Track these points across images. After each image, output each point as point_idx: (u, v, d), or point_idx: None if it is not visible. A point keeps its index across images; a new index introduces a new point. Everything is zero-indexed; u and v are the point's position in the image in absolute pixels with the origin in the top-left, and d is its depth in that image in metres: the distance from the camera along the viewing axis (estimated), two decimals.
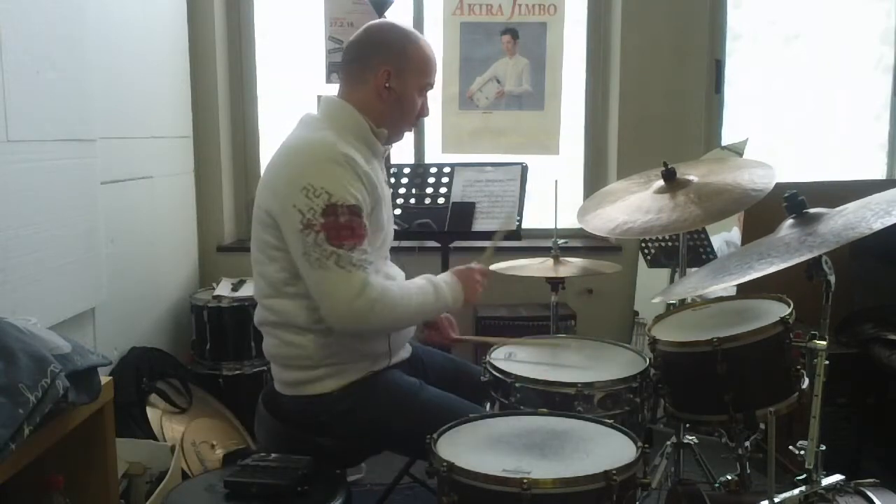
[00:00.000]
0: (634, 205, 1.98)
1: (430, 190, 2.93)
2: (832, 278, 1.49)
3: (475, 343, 2.45)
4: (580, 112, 3.71)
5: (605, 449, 1.37)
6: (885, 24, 3.72)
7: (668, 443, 2.18)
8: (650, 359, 1.78)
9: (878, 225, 1.32)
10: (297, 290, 1.75)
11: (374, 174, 1.79)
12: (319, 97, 1.90)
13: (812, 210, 1.54)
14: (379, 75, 1.82)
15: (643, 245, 3.21)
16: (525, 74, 3.61)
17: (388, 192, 1.91)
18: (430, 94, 1.93)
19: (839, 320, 2.89)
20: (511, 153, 3.57)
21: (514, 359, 1.88)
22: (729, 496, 1.76)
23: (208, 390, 2.99)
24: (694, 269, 1.90)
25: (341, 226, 1.66)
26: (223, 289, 3.15)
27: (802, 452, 1.53)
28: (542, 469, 1.28)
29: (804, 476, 1.53)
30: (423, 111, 1.92)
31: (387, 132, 1.86)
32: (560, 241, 2.35)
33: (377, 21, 1.95)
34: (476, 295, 1.90)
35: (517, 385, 1.70)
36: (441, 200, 2.90)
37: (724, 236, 3.34)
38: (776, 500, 1.51)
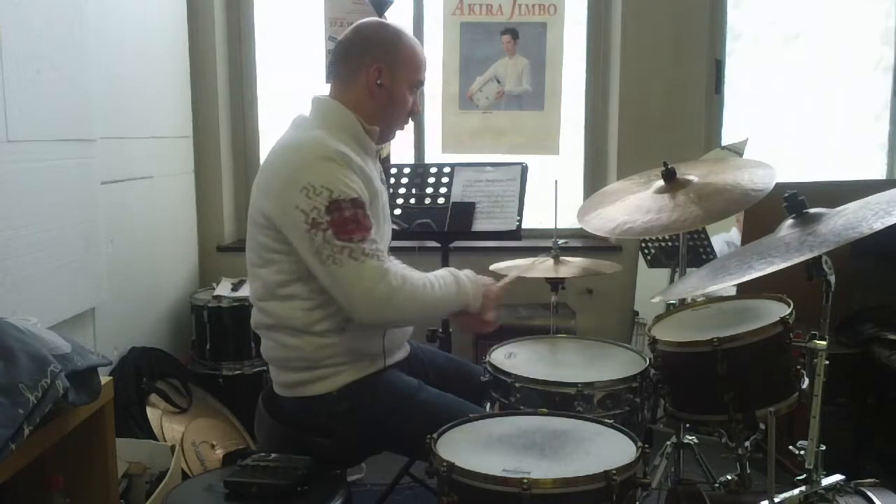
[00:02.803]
0: (634, 205, 1.98)
1: (430, 190, 2.93)
2: (832, 278, 1.48)
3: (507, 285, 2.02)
4: (580, 112, 3.71)
5: (605, 449, 1.37)
6: (885, 24, 3.72)
7: (668, 443, 2.18)
8: (650, 359, 1.78)
9: (878, 225, 1.32)
10: (291, 293, 1.75)
11: (368, 170, 1.79)
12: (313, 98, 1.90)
13: (812, 210, 1.54)
14: (370, 72, 1.82)
15: (643, 245, 3.21)
16: (525, 74, 3.61)
17: (383, 190, 1.91)
18: (430, 94, 1.94)
19: (839, 320, 2.89)
20: (511, 153, 3.57)
21: (514, 359, 1.88)
22: (729, 496, 1.76)
23: (208, 390, 2.99)
24: (694, 269, 1.90)
25: (347, 220, 1.65)
26: (223, 289, 3.15)
27: (802, 452, 1.53)
28: (542, 469, 1.28)
29: (804, 476, 1.53)
30: (416, 108, 1.92)
31: (378, 129, 1.86)
32: (560, 241, 2.35)
33: (366, 20, 1.95)
34: (487, 309, 1.85)
35: (517, 385, 1.70)
36: (441, 200, 2.90)
37: (724, 237, 3.34)
38: (776, 500, 1.51)
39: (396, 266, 1.75)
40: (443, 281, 1.79)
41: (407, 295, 1.69)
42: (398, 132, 1.99)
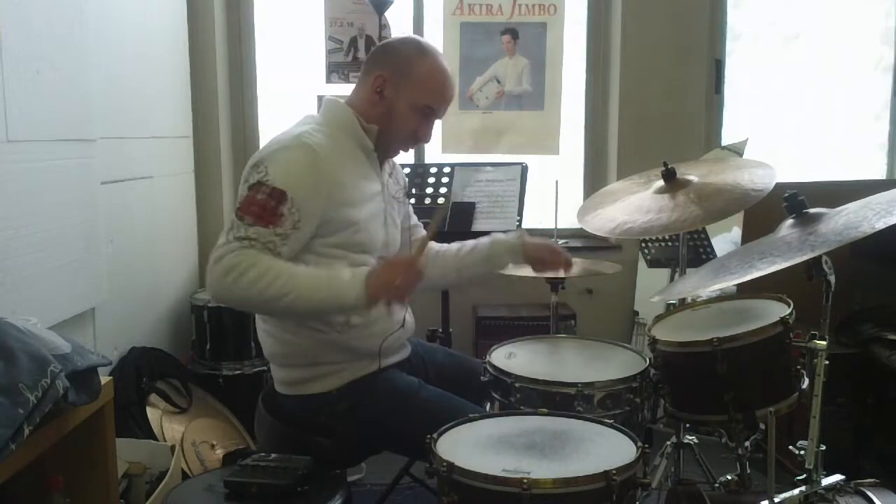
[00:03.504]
0: (634, 205, 1.98)
1: (430, 190, 2.93)
2: (832, 278, 1.49)
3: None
4: (580, 112, 3.71)
5: (605, 449, 1.37)
6: (885, 24, 3.72)
7: (668, 443, 2.19)
8: (650, 359, 1.78)
9: (880, 224, 1.32)
10: None
11: (355, 172, 1.78)
12: (320, 98, 1.90)
13: (812, 210, 1.54)
14: (375, 79, 1.81)
15: (643, 245, 3.21)
16: (525, 74, 3.61)
17: (379, 191, 1.87)
18: None
19: (839, 320, 2.89)
20: (511, 153, 3.57)
21: (514, 359, 1.88)
22: (729, 496, 1.76)
23: (208, 390, 2.99)
24: (694, 269, 1.90)
25: (253, 202, 1.65)
26: None
27: (802, 452, 1.53)
28: (542, 469, 1.28)
29: (804, 476, 1.53)
30: (421, 135, 1.86)
31: (377, 128, 1.83)
32: (560, 241, 2.35)
33: (407, 35, 1.94)
34: (385, 292, 1.63)
35: (517, 385, 1.70)
36: (441, 200, 2.90)
37: (725, 237, 3.34)
38: (776, 500, 1.51)
39: (271, 259, 1.61)
40: (308, 277, 1.64)
41: (237, 278, 1.56)
42: (402, 152, 1.95)
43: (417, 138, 1.88)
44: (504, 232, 2.06)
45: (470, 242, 2.06)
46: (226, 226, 1.66)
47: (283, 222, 1.65)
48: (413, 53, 1.82)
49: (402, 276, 1.65)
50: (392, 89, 1.80)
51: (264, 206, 1.64)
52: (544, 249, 2.00)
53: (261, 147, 1.83)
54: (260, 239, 1.62)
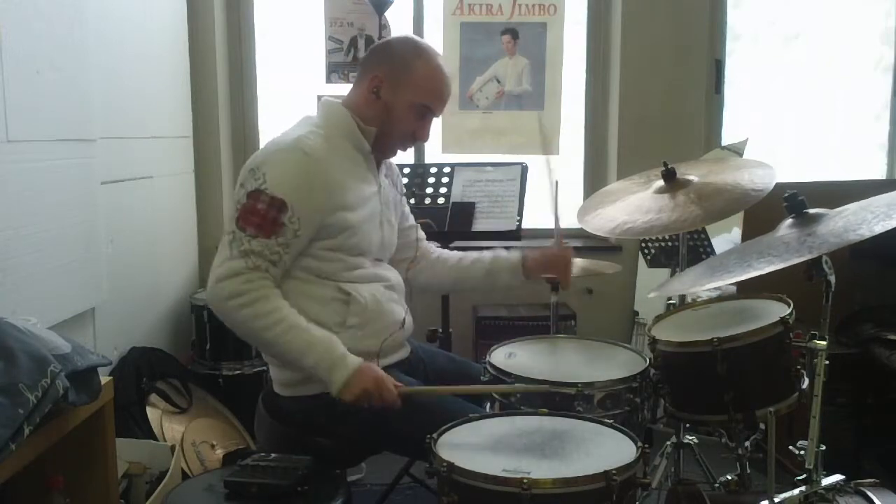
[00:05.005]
0: (634, 205, 1.98)
1: (430, 190, 2.93)
2: (832, 278, 1.48)
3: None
4: (580, 112, 3.71)
5: (605, 449, 1.37)
6: (885, 24, 3.72)
7: (668, 443, 2.18)
8: (650, 359, 1.78)
9: (878, 228, 1.32)
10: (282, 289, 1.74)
11: (352, 174, 1.78)
12: (319, 98, 1.90)
13: (812, 210, 1.54)
14: (371, 80, 1.82)
15: (643, 245, 3.21)
16: (525, 74, 3.61)
17: (375, 193, 1.87)
18: None
19: (839, 320, 2.89)
20: (511, 153, 3.57)
21: (514, 359, 1.88)
22: (729, 496, 1.76)
23: (208, 390, 2.99)
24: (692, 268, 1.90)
25: (255, 211, 1.65)
26: None
27: (802, 452, 1.53)
28: (542, 469, 1.28)
29: (804, 476, 1.53)
30: (419, 135, 1.86)
31: (375, 130, 1.83)
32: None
33: (403, 35, 1.94)
34: (357, 398, 1.66)
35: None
36: (441, 200, 2.90)
37: (726, 237, 3.34)
38: (776, 500, 1.51)
39: (268, 281, 1.65)
40: (309, 338, 1.67)
41: (244, 312, 1.63)
42: (400, 151, 1.95)
43: (416, 138, 1.88)
44: (507, 248, 2.10)
45: (472, 254, 2.09)
46: (226, 232, 1.66)
47: (285, 232, 1.67)
48: (410, 54, 1.82)
49: (380, 399, 1.66)
50: (389, 90, 1.81)
51: (265, 217, 1.65)
52: (544, 257, 2.04)
53: (260, 148, 1.83)
54: (264, 252, 1.65)
